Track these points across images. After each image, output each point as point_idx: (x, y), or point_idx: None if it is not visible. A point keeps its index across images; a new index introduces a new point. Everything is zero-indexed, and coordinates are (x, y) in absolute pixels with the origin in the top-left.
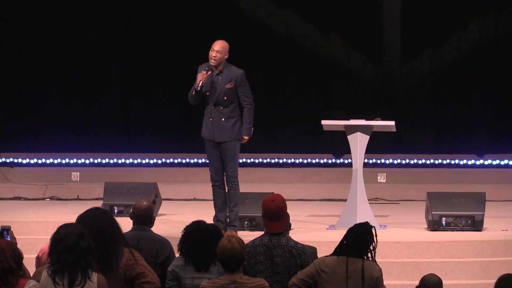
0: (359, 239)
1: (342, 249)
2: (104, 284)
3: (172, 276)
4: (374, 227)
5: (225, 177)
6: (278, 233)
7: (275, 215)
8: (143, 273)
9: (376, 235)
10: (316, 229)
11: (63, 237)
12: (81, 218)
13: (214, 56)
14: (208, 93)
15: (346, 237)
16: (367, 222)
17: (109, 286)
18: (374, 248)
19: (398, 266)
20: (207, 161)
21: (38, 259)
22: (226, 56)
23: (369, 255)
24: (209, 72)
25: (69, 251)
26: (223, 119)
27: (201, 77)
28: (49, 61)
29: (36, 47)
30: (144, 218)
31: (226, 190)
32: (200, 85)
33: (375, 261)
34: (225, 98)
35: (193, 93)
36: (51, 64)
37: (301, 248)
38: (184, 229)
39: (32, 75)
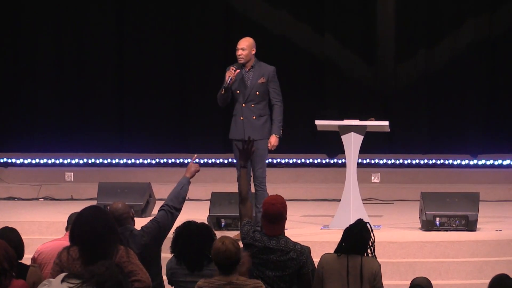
0: (358, 239)
1: (342, 250)
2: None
3: (169, 279)
4: (368, 222)
5: (253, 178)
6: (276, 235)
7: (274, 218)
8: (134, 271)
9: (372, 230)
10: (310, 229)
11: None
12: (77, 217)
13: (240, 55)
14: (238, 92)
15: (344, 238)
16: (361, 219)
17: None
18: (373, 243)
19: (392, 266)
20: (202, 161)
21: (33, 260)
22: (254, 52)
23: (369, 251)
24: (238, 70)
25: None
26: (254, 117)
27: (230, 74)
28: (43, 61)
29: (31, 47)
30: (126, 216)
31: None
32: (228, 81)
33: (375, 256)
34: (257, 93)
35: (222, 92)
36: (45, 64)
37: (299, 249)
38: (175, 229)
39: (26, 75)
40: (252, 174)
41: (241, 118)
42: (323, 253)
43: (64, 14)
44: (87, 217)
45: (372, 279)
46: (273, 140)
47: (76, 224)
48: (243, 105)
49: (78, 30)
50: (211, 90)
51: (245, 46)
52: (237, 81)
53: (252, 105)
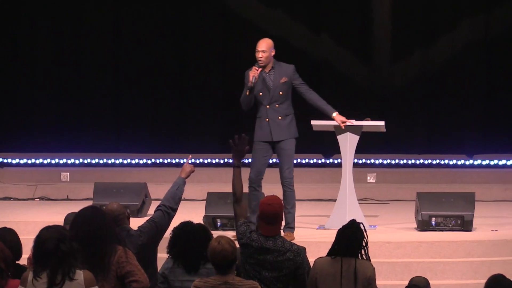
0: (352, 240)
1: (335, 252)
2: (91, 280)
3: (162, 279)
4: (361, 223)
5: (281, 178)
6: (273, 236)
7: (270, 218)
8: (132, 271)
9: (365, 231)
10: (306, 229)
11: (43, 241)
12: (75, 218)
13: (260, 57)
14: (261, 94)
15: (338, 240)
16: (354, 220)
17: (102, 285)
18: (366, 244)
19: (387, 266)
20: (198, 161)
21: (29, 259)
22: (273, 53)
23: (362, 251)
24: (260, 69)
25: (49, 256)
26: (279, 117)
27: (253, 73)
28: (40, 61)
29: (28, 47)
30: (122, 216)
31: (282, 191)
32: (253, 81)
33: (369, 258)
34: (280, 93)
35: (247, 93)
36: (42, 65)
37: (296, 249)
38: (172, 230)
39: (22, 76)
40: (280, 175)
41: (267, 120)
42: (319, 253)
43: (61, 13)
44: (85, 217)
45: (366, 284)
46: (341, 117)
47: (74, 224)
48: (267, 106)
49: (76, 31)
50: (207, 90)
51: (265, 48)
52: (259, 83)
53: (277, 106)
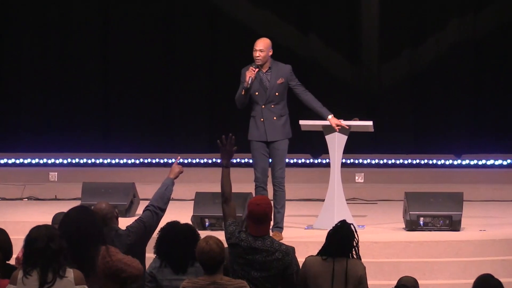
0: (343, 242)
1: (327, 253)
2: (81, 278)
3: (151, 278)
4: (352, 223)
5: (272, 178)
6: (261, 235)
7: (259, 218)
8: (121, 269)
9: (356, 231)
10: (294, 229)
11: (33, 240)
12: (63, 217)
13: (258, 56)
14: (257, 93)
15: (329, 242)
16: (344, 221)
17: (94, 286)
18: (357, 244)
19: (375, 266)
20: (186, 161)
21: (17, 260)
22: (271, 53)
23: (353, 251)
24: (257, 69)
25: (39, 254)
26: (274, 117)
27: (250, 73)
28: (27, 60)
29: (15, 46)
30: (110, 216)
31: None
32: (250, 82)
33: (360, 258)
34: (276, 94)
35: (242, 93)
36: (29, 64)
37: (285, 249)
38: (159, 230)
39: (10, 75)
40: (271, 175)
41: (262, 119)
42: (308, 253)
43: (48, 13)
44: (73, 217)
45: (357, 283)
46: (336, 120)
47: (62, 224)
48: (263, 106)
49: (63, 30)
50: (195, 90)
51: (263, 47)
52: (255, 83)
53: (272, 106)
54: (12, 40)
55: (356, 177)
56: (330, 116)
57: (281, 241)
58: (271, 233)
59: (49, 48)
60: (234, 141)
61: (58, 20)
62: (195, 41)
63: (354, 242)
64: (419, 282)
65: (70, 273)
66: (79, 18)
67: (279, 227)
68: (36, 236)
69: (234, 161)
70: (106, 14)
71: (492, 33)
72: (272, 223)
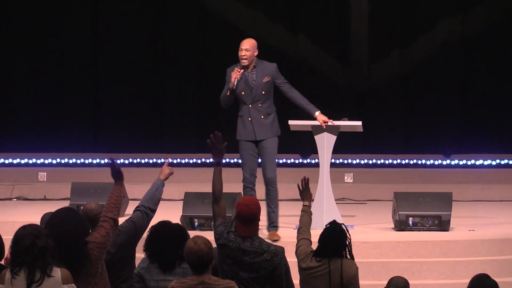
0: (337, 243)
1: (322, 255)
2: (68, 277)
3: (138, 278)
4: (343, 224)
5: (264, 177)
6: (250, 236)
7: (247, 219)
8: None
9: (347, 231)
10: (283, 229)
11: (20, 239)
12: (50, 218)
13: (243, 55)
14: (243, 93)
15: (322, 244)
16: (334, 221)
17: (83, 285)
18: (350, 243)
19: (365, 266)
20: (176, 161)
21: (6, 259)
22: (256, 53)
23: (347, 250)
24: (242, 70)
25: (26, 252)
26: (262, 116)
27: (236, 75)
28: (16, 61)
29: (4, 47)
30: (100, 216)
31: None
32: (235, 83)
33: (353, 256)
34: (262, 92)
35: (227, 93)
36: (18, 64)
37: (273, 250)
38: (149, 229)
39: None
40: (262, 174)
41: (249, 119)
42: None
43: (38, 12)
44: (60, 218)
45: (348, 283)
46: (323, 116)
47: (49, 225)
48: (250, 105)
49: (53, 30)
50: (185, 90)
51: (249, 47)
52: (241, 82)
53: (259, 105)
54: (1, 41)
55: (345, 177)
56: (317, 113)
57: (279, 240)
58: (267, 233)
59: (38, 49)
60: (221, 138)
61: (48, 20)
62: (185, 42)
63: (347, 242)
64: (408, 282)
65: (57, 272)
66: (69, 18)
67: (274, 226)
68: (22, 234)
69: (224, 161)
70: (96, 14)
71: (481, 34)
72: (267, 223)
